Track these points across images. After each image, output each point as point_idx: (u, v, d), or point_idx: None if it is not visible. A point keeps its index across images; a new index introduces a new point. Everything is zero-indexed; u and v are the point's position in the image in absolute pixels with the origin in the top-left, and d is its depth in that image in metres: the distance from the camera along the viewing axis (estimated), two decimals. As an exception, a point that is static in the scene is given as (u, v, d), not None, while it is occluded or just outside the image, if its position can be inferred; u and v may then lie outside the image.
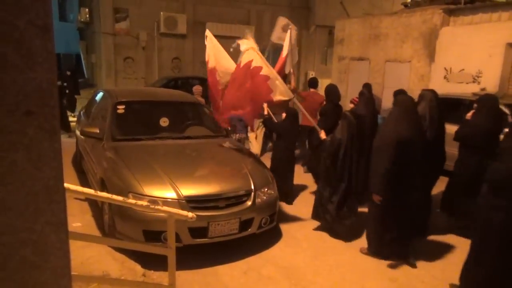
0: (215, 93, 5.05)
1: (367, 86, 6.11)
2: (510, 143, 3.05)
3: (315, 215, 4.50)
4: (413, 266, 3.85)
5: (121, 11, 13.83)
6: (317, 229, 4.54)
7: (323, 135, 4.65)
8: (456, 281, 3.50)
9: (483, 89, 8.29)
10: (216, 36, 5.13)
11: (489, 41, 8.40)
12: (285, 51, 5.55)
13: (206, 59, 5.12)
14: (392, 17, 10.84)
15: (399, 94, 4.49)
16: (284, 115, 5.13)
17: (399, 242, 3.86)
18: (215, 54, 5.03)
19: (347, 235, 4.32)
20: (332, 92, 5.30)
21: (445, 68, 9.37)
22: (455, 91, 8.07)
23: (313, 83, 7.08)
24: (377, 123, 5.42)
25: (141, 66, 14.56)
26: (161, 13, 13.95)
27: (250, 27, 14.60)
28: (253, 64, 4.53)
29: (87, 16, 14.82)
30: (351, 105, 5.77)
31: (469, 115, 4.55)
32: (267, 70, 4.54)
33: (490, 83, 8.38)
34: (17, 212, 1.02)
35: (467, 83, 8.74)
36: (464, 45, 8.88)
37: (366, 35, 11.55)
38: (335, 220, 4.30)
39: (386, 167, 3.58)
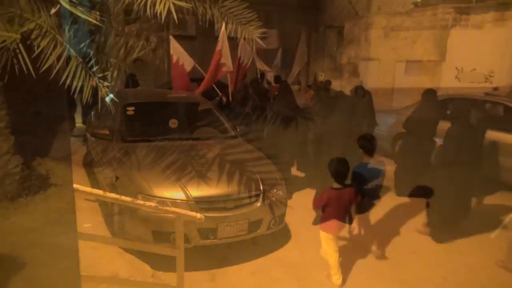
0: (184, 77, 7.28)
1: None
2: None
3: None
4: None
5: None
6: None
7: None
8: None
9: (495, 89, 8.17)
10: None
11: (501, 40, 8.28)
12: (219, 46, 7.14)
13: (171, 52, 7.13)
14: (402, 16, 10.75)
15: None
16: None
17: None
18: (180, 53, 7.23)
19: None
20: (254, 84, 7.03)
21: (456, 68, 9.26)
22: (466, 91, 7.96)
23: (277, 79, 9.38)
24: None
25: (150, 68, 14.63)
26: (171, 14, 14.04)
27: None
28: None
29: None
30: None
31: None
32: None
33: (503, 82, 8.25)
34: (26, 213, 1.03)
35: (479, 83, 8.62)
36: (476, 44, 8.76)
37: (376, 35, 11.47)
38: None
39: None
